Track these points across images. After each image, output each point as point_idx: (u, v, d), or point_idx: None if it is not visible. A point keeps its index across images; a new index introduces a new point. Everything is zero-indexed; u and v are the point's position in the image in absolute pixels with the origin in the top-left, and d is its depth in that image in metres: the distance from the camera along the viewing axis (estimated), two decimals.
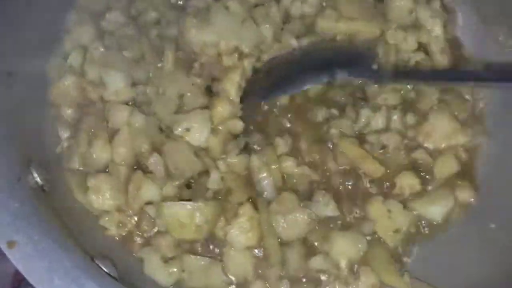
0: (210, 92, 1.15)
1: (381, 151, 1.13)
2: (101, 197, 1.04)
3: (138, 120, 1.08)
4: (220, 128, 1.12)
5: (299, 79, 1.18)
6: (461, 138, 1.15)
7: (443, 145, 1.14)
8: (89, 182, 1.05)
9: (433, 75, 1.18)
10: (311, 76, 1.17)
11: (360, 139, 1.13)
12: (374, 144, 1.13)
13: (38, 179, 0.95)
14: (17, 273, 0.79)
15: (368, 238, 1.07)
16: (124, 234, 1.06)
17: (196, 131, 1.09)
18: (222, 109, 1.11)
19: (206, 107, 1.12)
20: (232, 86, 1.13)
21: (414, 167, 1.13)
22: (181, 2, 1.25)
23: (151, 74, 1.15)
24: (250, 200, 1.07)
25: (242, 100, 1.14)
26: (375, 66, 1.17)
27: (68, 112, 1.13)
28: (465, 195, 1.13)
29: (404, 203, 1.10)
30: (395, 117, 1.15)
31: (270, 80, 1.18)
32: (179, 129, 1.09)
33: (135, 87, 1.13)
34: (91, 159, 1.08)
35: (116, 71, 1.12)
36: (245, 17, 1.16)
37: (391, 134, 1.14)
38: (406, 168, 1.12)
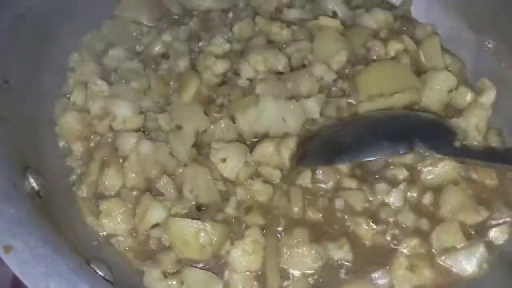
0: None
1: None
2: (113, 221, 1.05)
3: (145, 146, 1.10)
4: (253, 165, 1.12)
5: (370, 146, 1.05)
6: (470, 219, 1.08)
7: (448, 217, 1.08)
8: (101, 207, 1.06)
9: None
10: (384, 146, 1.05)
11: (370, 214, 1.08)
12: (388, 224, 1.07)
13: (34, 185, 0.96)
14: (16, 276, 0.79)
15: None
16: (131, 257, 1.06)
17: (230, 163, 1.09)
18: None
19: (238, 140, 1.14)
20: (286, 151, 1.12)
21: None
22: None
23: (165, 105, 1.18)
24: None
25: (299, 159, 1.10)
26: (457, 144, 1.08)
27: (77, 146, 1.16)
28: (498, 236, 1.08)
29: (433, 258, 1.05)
30: (410, 193, 1.11)
31: (334, 144, 1.09)
32: (216, 157, 1.09)
33: (144, 114, 1.16)
34: (103, 186, 1.10)
35: (122, 100, 1.15)
36: (289, 97, 1.15)
37: (406, 213, 1.08)
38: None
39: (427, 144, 1.04)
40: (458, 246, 1.05)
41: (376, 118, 1.13)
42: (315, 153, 1.11)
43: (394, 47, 1.30)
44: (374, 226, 1.06)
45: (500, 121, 1.23)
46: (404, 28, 1.38)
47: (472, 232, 1.08)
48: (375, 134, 1.07)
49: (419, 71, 1.26)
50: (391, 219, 1.08)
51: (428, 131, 1.08)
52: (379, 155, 1.06)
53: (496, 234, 1.08)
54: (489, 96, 1.20)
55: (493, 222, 1.10)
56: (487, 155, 1.02)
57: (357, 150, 1.07)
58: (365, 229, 1.06)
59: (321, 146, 1.10)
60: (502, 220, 1.10)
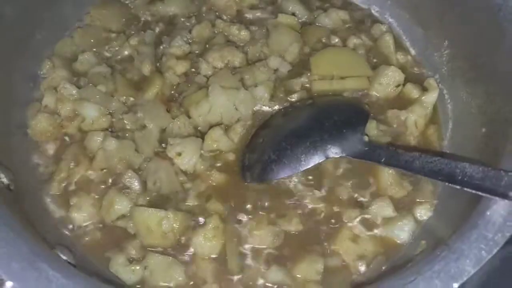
0: None
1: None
2: (82, 213, 1.12)
3: (111, 144, 1.16)
4: (209, 155, 1.19)
5: (290, 163, 1.14)
6: (398, 193, 1.17)
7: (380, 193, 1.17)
8: (71, 201, 1.13)
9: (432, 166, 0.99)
10: (302, 160, 1.13)
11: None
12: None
13: (4, 180, 1.02)
14: None
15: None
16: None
17: (186, 156, 1.16)
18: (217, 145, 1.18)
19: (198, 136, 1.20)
20: (235, 135, 1.21)
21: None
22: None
23: (131, 106, 1.24)
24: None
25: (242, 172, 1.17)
26: (366, 138, 1.15)
27: (48, 146, 1.22)
28: (423, 213, 1.16)
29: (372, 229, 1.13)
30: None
31: (265, 158, 1.16)
32: (172, 151, 1.16)
33: (111, 115, 1.23)
34: (73, 182, 1.16)
35: (89, 103, 1.22)
36: (239, 86, 1.24)
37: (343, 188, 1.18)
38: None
39: (339, 148, 1.13)
40: (392, 218, 1.14)
41: (295, 126, 1.21)
42: (251, 170, 1.18)
43: (353, 41, 1.39)
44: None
45: (441, 114, 1.32)
46: (362, 27, 1.46)
47: (402, 206, 1.17)
48: (294, 148, 1.15)
49: (373, 66, 1.34)
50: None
51: (340, 132, 1.15)
52: (299, 170, 1.14)
53: (421, 211, 1.17)
54: (431, 96, 1.28)
55: (418, 199, 1.18)
56: (390, 159, 1.06)
57: (279, 169, 1.15)
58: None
59: (256, 163, 1.18)
60: (425, 200, 1.18)
